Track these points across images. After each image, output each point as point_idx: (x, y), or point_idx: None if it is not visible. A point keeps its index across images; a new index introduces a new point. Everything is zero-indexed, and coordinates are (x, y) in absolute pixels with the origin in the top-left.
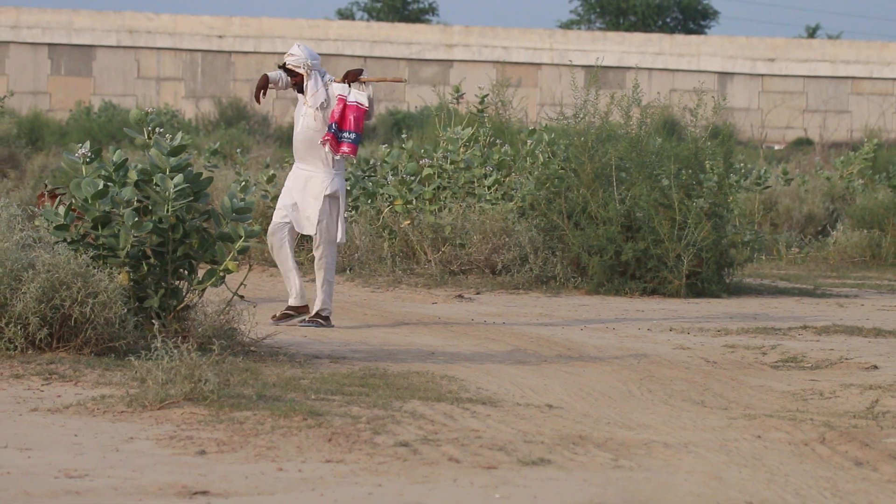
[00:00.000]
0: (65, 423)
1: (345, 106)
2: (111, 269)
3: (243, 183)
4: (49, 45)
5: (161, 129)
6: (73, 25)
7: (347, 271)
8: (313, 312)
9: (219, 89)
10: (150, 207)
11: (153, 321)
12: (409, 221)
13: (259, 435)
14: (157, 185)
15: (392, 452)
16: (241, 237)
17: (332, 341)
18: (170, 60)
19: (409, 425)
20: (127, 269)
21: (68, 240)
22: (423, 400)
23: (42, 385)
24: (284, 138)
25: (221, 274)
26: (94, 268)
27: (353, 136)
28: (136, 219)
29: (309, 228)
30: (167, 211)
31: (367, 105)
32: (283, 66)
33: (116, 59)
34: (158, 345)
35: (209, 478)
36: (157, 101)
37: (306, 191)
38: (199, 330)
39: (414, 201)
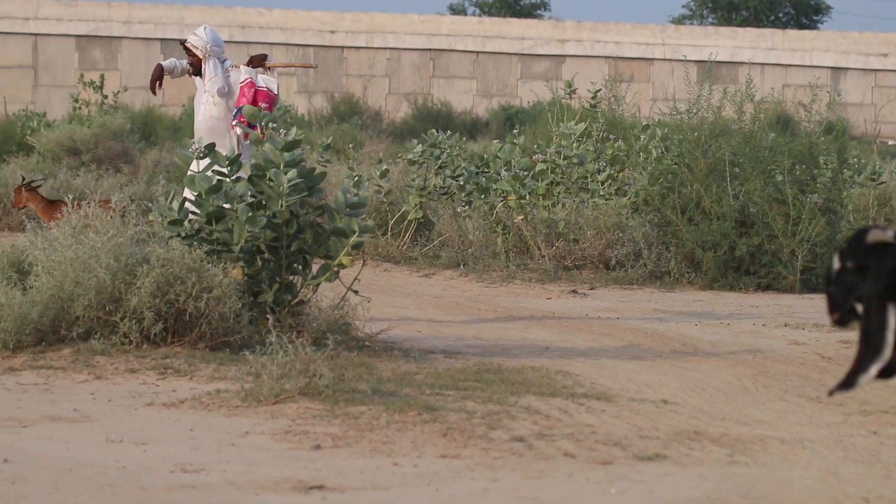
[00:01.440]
0: (180, 417)
1: (256, 90)
2: (225, 263)
3: (356, 178)
4: (161, 40)
5: (274, 125)
6: (184, 21)
7: (461, 267)
8: None
9: (331, 84)
10: (264, 202)
11: (268, 316)
12: (522, 217)
13: (374, 430)
14: (270, 180)
15: (507, 448)
16: (354, 232)
17: (447, 336)
18: (282, 55)
19: (524, 420)
20: (241, 263)
21: (182, 235)
22: (537, 395)
23: (157, 380)
24: (397, 133)
25: (335, 269)
26: (209, 262)
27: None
28: (250, 214)
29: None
30: (281, 206)
31: (276, 92)
32: (182, 43)
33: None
34: (273, 340)
35: (324, 472)
36: None
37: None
38: (314, 325)
39: (527, 196)
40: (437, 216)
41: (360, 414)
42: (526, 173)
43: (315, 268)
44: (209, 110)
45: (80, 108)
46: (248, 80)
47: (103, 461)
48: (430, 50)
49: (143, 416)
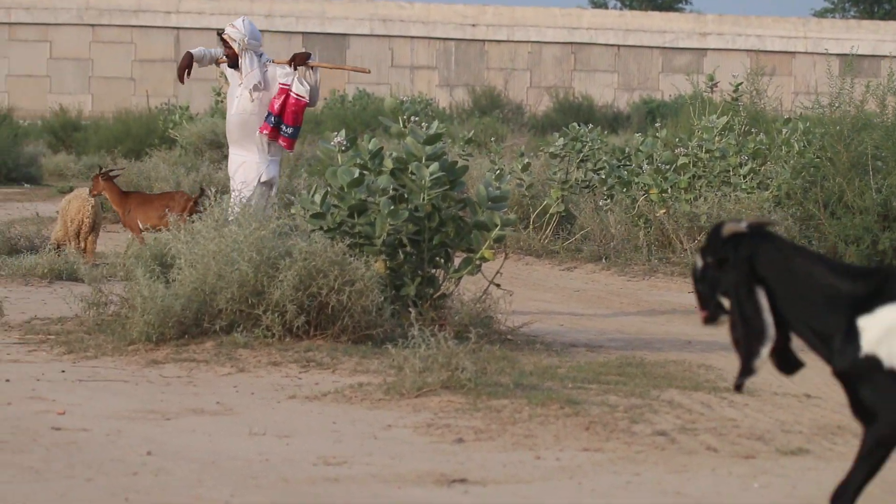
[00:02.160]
0: (323, 410)
1: (286, 97)
2: (368, 257)
3: (498, 171)
4: (303, 33)
5: (416, 118)
6: (326, 14)
7: (603, 260)
8: None
9: (472, 78)
10: (406, 196)
11: (410, 309)
12: (664, 210)
13: (516, 423)
14: (412, 173)
15: (650, 441)
16: (496, 225)
17: (589, 330)
18: (423, 49)
19: (666, 414)
20: (384, 257)
21: (325, 228)
22: (680, 389)
23: (300, 372)
24: (539, 127)
25: (477, 262)
26: (351, 256)
27: (290, 130)
28: (392, 207)
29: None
30: (423, 199)
31: (307, 98)
32: (220, 34)
33: (370, 48)
34: (415, 333)
35: (467, 466)
36: (411, 89)
37: (234, 178)
38: (456, 318)
39: (669, 190)
40: (578, 210)
41: (503, 407)
42: (668, 167)
43: (457, 261)
44: (243, 104)
45: (222, 101)
46: (287, 85)
47: (246, 454)
48: (571, 43)
49: (285, 408)
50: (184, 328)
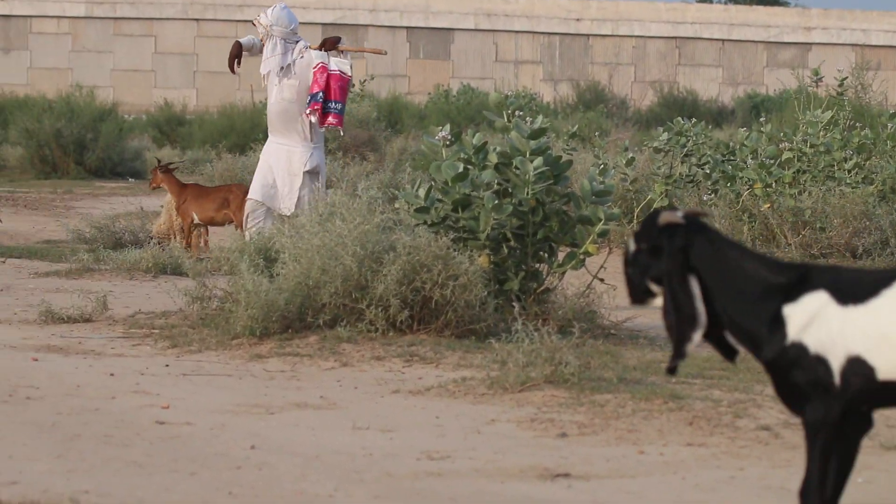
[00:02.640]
0: (426, 405)
1: (329, 75)
2: (471, 251)
3: (602, 166)
4: (407, 28)
5: (520, 113)
6: (430, 9)
7: None
8: None
9: (576, 72)
10: (510, 190)
11: (513, 304)
12: (768, 205)
13: (620, 418)
14: (516, 167)
15: (753, 436)
16: (601, 220)
17: None
18: (527, 43)
19: (770, 409)
20: (487, 251)
21: (429, 222)
22: None
23: (403, 367)
24: (643, 121)
25: (581, 257)
26: (455, 250)
27: (339, 106)
28: (496, 202)
29: (288, 208)
30: (527, 194)
31: (350, 74)
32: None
33: (474, 43)
34: (519, 327)
35: (570, 460)
36: (515, 84)
37: (285, 168)
38: (560, 312)
39: (773, 185)
40: (682, 204)
41: (606, 402)
42: (772, 161)
43: (561, 256)
44: (282, 93)
45: None
46: (321, 64)
47: (350, 448)
48: (675, 38)
49: (389, 403)
50: (287, 322)
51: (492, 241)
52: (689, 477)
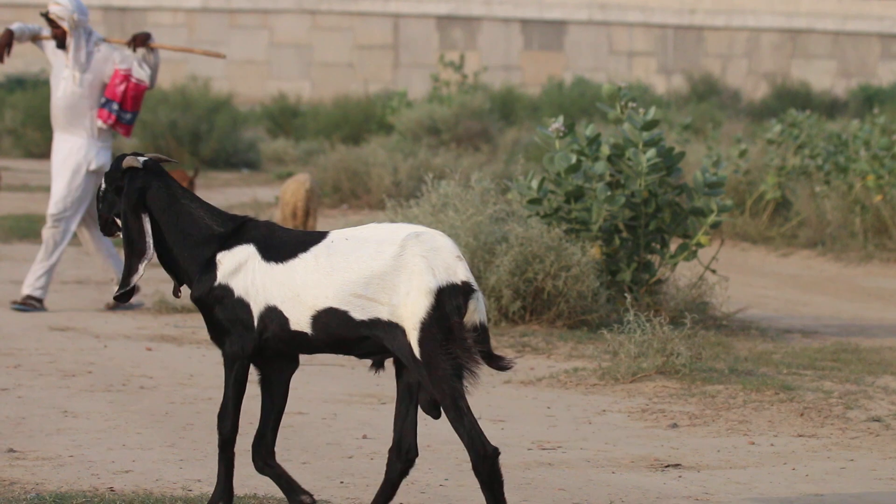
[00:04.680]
0: (537, 395)
1: (129, 84)
2: (584, 242)
3: (715, 158)
4: (521, 20)
5: (633, 104)
6: (544, 1)
7: (819, 246)
8: (25, 294)
9: (689, 64)
10: (623, 182)
11: (625, 295)
12: (880, 196)
13: (731, 409)
14: (629, 159)
15: (864, 427)
16: (713, 211)
17: (804, 316)
18: (641, 35)
19: (881, 400)
20: (600, 242)
21: (541, 213)
22: (895, 375)
23: (515, 357)
24: (756, 113)
25: (694, 248)
26: (567, 241)
27: (129, 116)
28: (609, 193)
29: (52, 205)
30: (640, 185)
31: (147, 83)
32: (45, 15)
33: (588, 35)
34: (631, 318)
35: (681, 451)
36: (628, 75)
37: (64, 165)
38: (671, 304)
39: (886, 176)
40: (795, 196)
41: (717, 393)
42: (885, 153)
43: (673, 247)
44: (71, 87)
45: (440, 87)
46: (126, 70)
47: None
48: (789, 30)
49: (501, 393)
50: None
51: (604, 232)
52: (799, 468)
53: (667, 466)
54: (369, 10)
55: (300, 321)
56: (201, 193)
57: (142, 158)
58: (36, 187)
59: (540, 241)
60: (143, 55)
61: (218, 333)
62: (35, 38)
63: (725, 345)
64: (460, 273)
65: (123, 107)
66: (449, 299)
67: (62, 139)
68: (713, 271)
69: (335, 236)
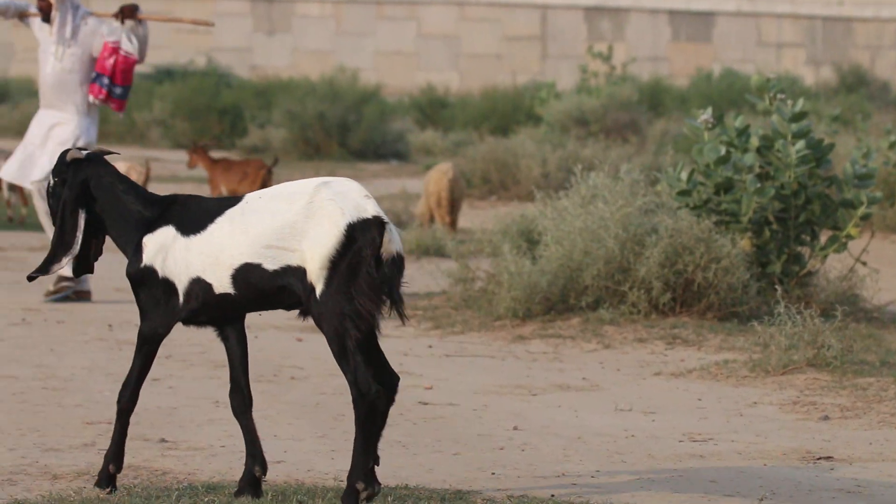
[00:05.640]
0: (688, 387)
1: (118, 57)
2: (733, 234)
3: (865, 149)
4: (669, 11)
5: (782, 96)
6: None
7: None
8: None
9: (839, 55)
10: (772, 173)
11: (775, 287)
12: None
13: (882, 401)
14: (778, 151)
15: None
16: (863, 203)
17: None
18: (790, 27)
19: None
20: (749, 234)
21: (690, 205)
22: None
23: (665, 349)
24: None
25: (844, 240)
26: (717, 233)
27: (120, 90)
28: (759, 185)
29: (38, 173)
30: (789, 177)
31: (136, 56)
32: None
33: (736, 26)
34: (781, 310)
35: (832, 444)
36: (776, 67)
37: (50, 137)
38: (822, 296)
39: None
40: None
41: (868, 385)
42: None
43: (823, 239)
44: (57, 63)
45: (588, 78)
46: (115, 43)
47: (612, 430)
48: None
49: (651, 385)
50: (550, 304)
51: (754, 224)
52: None
53: (818, 459)
54: (517, 0)
55: (222, 283)
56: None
57: (85, 151)
58: (185, 178)
59: (690, 233)
60: (132, 27)
61: (140, 311)
62: (22, 16)
63: (876, 337)
64: (370, 209)
65: (114, 81)
66: (361, 234)
67: (49, 115)
68: (864, 263)
69: (250, 197)
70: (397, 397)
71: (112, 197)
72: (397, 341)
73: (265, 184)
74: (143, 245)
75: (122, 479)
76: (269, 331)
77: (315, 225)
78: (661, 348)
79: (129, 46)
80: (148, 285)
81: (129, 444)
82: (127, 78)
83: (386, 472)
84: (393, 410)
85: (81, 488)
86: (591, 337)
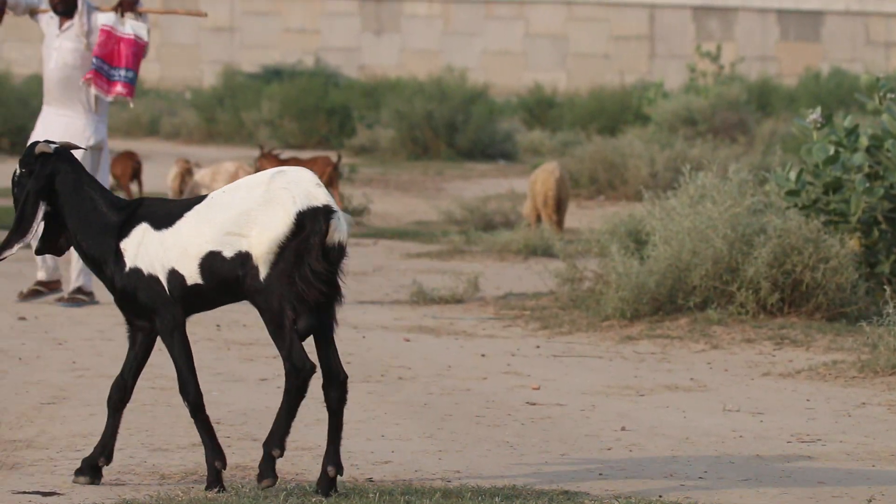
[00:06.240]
0: (796, 388)
1: (118, 39)
2: (842, 234)
3: None
4: (777, 11)
5: (892, 95)
6: None
7: None
8: (73, 288)
9: None
10: (881, 173)
11: (884, 287)
12: None
13: None
14: (888, 150)
15: None
16: None
17: None
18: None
19: None
20: (858, 234)
21: (799, 205)
22: None
23: (774, 350)
24: None
25: None
26: (826, 233)
27: (129, 74)
28: (868, 184)
29: None
30: None
31: (146, 39)
32: None
33: (844, 25)
34: (890, 311)
35: None
36: (885, 66)
37: (60, 139)
38: None
39: None
40: None
41: None
42: None
43: None
44: (65, 58)
45: (696, 78)
46: (109, 28)
47: (720, 430)
48: None
49: (759, 385)
50: (658, 305)
51: (863, 224)
52: None
53: None
54: (625, 0)
55: (192, 274)
56: (456, 185)
57: (53, 145)
58: None
59: (798, 233)
60: (134, 18)
61: (146, 313)
62: (33, 13)
63: None
64: (321, 198)
65: (115, 62)
66: (310, 222)
67: (56, 113)
68: None
69: (215, 193)
70: (505, 397)
71: (76, 194)
72: (505, 342)
73: (332, 181)
74: (123, 250)
75: (230, 478)
76: (377, 331)
77: (268, 212)
78: (769, 349)
79: (139, 29)
80: (142, 286)
81: (238, 444)
82: (135, 62)
83: (493, 473)
84: (501, 411)
85: (189, 488)
86: (699, 337)
